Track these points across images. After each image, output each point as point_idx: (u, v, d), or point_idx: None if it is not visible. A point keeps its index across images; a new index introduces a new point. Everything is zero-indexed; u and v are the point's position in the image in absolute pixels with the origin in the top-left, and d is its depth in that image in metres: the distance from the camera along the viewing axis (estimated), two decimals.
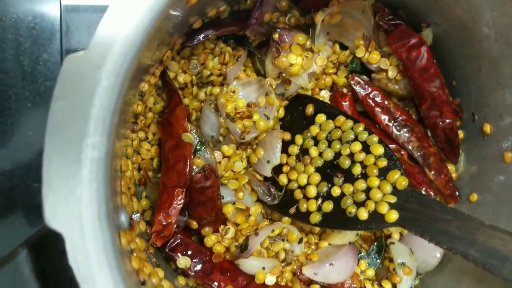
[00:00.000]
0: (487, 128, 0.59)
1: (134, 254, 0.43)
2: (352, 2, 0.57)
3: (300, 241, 0.59)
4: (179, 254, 0.58)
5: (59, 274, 0.39)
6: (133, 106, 0.54)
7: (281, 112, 0.62)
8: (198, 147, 0.60)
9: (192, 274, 0.57)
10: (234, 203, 0.59)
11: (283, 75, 0.59)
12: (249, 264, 0.56)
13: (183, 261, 0.57)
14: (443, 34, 0.58)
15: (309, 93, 0.63)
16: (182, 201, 0.56)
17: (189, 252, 0.58)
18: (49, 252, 0.39)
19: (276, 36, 0.57)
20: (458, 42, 0.57)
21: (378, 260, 0.64)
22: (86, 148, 0.35)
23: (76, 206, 0.35)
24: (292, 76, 0.58)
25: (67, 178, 0.35)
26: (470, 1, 0.51)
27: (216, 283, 0.57)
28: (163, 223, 0.55)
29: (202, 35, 0.56)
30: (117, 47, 0.35)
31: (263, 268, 0.57)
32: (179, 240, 0.58)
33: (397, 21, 0.57)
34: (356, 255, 0.62)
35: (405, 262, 0.61)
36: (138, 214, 0.52)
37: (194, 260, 0.58)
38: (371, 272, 0.63)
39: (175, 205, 0.56)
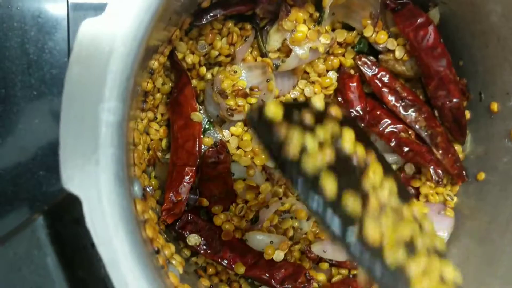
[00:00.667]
0: (494, 106, 0.59)
1: (148, 224, 0.43)
2: None
3: (308, 218, 0.60)
4: (188, 232, 0.58)
5: (74, 240, 0.40)
6: (142, 84, 0.55)
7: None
8: (207, 127, 0.61)
9: (202, 252, 0.58)
10: (244, 180, 0.59)
11: (286, 42, 0.59)
12: (258, 239, 0.57)
13: (192, 239, 0.57)
14: (450, 13, 0.59)
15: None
16: (192, 179, 0.56)
17: (199, 230, 0.58)
18: (63, 219, 0.40)
19: None
20: (465, 19, 0.57)
21: None
22: (102, 112, 0.35)
23: (93, 169, 0.35)
24: (294, 43, 0.58)
25: (84, 142, 0.35)
26: None
27: (225, 261, 0.57)
28: (174, 201, 0.56)
29: (211, 14, 0.57)
30: (132, 12, 0.36)
31: (271, 243, 0.57)
32: (188, 218, 0.58)
33: (404, 0, 0.58)
34: None
35: None
36: (151, 187, 0.52)
37: (203, 238, 0.58)
38: None
39: (184, 184, 0.56)
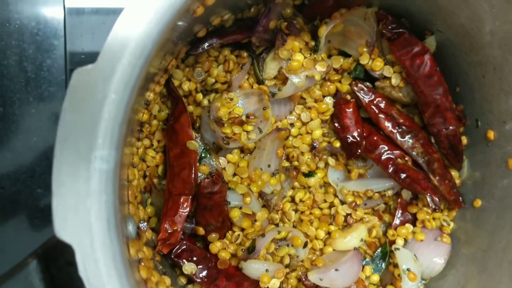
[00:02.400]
0: (491, 134, 0.59)
1: (142, 264, 0.43)
2: (355, 10, 0.57)
3: (305, 245, 0.60)
4: (184, 260, 0.58)
5: (69, 282, 0.40)
6: (138, 114, 0.55)
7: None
8: (203, 155, 0.60)
9: (198, 280, 0.58)
10: (240, 208, 0.59)
11: (282, 70, 0.59)
12: (253, 268, 0.57)
13: (188, 267, 0.57)
14: (446, 42, 0.58)
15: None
16: (188, 209, 0.56)
17: (195, 258, 0.58)
18: (58, 262, 0.40)
19: (284, 25, 0.57)
20: (461, 49, 0.57)
21: (382, 266, 0.64)
22: (95, 161, 0.35)
23: (85, 217, 0.35)
24: (290, 72, 0.58)
25: (77, 190, 0.35)
26: (473, 9, 0.51)
27: None
28: (169, 231, 0.56)
29: (207, 44, 0.57)
30: (125, 59, 0.36)
31: (267, 271, 0.57)
32: (184, 247, 0.58)
33: (400, 30, 0.58)
34: (360, 260, 0.62)
35: (410, 268, 0.61)
36: (145, 223, 0.52)
37: (199, 266, 0.58)
38: (376, 278, 0.64)
39: (180, 213, 0.56)
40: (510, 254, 0.56)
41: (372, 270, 0.64)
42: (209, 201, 0.57)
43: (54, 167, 0.35)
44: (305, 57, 0.58)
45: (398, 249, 0.63)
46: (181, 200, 0.56)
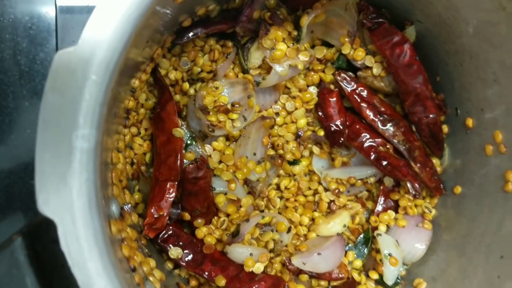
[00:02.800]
0: (470, 122, 0.61)
1: (125, 243, 0.44)
2: (336, 1, 0.59)
3: (288, 230, 0.61)
4: (170, 245, 0.59)
5: (53, 260, 0.41)
6: (124, 101, 0.56)
7: None
8: (189, 142, 0.62)
9: (184, 264, 0.59)
10: (226, 194, 0.60)
11: (266, 59, 0.60)
12: (237, 252, 0.58)
13: (174, 252, 0.59)
14: (426, 32, 0.60)
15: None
16: (174, 194, 0.58)
17: (181, 243, 0.60)
18: (42, 239, 0.41)
19: (268, 15, 0.59)
20: (440, 38, 0.59)
21: (365, 251, 0.66)
22: (76, 139, 0.37)
23: (67, 194, 0.36)
24: (274, 61, 0.59)
25: (59, 168, 0.36)
26: None
27: (207, 273, 0.58)
28: (155, 216, 0.57)
29: (192, 33, 0.58)
30: (105, 42, 0.37)
31: (251, 255, 0.58)
32: (171, 232, 0.60)
33: (380, 20, 0.59)
34: (343, 245, 0.64)
35: (392, 253, 0.63)
36: (130, 205, 0.54)
37: (185, 251, 0.59)
38: (358, 263, 0.65)
39: (166, 198, 0.58)
40: (487, 238, 0.57)
41: (355, 255, 0.66)
42: (194, 187, 0.58)
43: (37, 146, 0.36)
44: (288, 47, 0.60)
45: (380, 235, 0.64)
46: (167, 186, 0.58)
